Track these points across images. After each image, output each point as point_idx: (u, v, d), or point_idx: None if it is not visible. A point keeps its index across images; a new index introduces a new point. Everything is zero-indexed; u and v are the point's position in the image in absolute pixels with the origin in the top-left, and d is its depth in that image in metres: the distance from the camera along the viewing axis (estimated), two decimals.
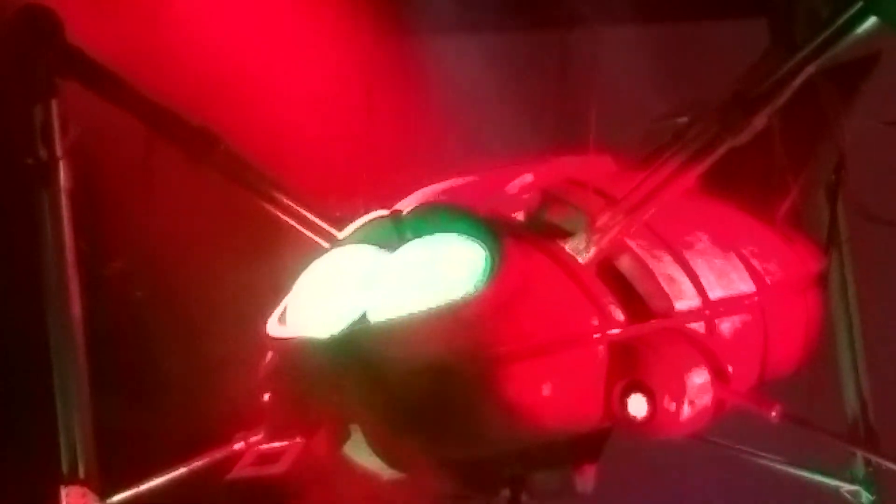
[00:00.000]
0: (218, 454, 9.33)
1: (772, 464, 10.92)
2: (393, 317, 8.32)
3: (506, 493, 9.12)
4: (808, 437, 9.82)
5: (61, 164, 9.78)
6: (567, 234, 8.83)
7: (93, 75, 9.69)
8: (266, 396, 8.79)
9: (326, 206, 9.66)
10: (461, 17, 11.77)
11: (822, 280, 10.37)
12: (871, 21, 8.43)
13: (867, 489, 10.89)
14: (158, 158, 9.55)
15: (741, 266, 9.62)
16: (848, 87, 10.20)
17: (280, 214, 9.65)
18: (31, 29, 9.70)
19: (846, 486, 10.91)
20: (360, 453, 8.57)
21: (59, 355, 9.97)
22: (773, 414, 8.93)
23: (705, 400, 8.75)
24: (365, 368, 8.32)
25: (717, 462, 11.20)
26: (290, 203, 9.66)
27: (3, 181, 10.23)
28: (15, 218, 10.38)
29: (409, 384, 8.29)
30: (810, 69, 8.69)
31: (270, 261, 9.93)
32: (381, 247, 8.90)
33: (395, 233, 8.93)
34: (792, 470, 10.99)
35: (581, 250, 8.75)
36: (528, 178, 9.37)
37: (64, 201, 9.81)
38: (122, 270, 10.35)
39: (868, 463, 10.79)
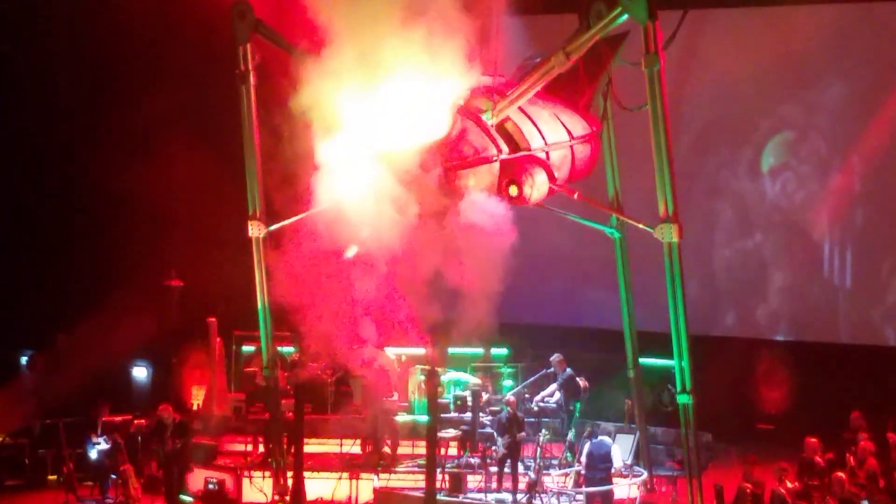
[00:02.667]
0: None
1: (577, 218, 19.55)
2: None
3: None
4: (592, 207, 18.90)
5: (251, 73, 18.98)
6: (484, 111, 17.70)
7: (266, 32, 18.90)
8: None
9: None
10: None
11: (599, 134, 19.26)
12: (625, 16, 17.00)
13: (618, 232, 19.68)
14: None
15: (562, 127, 18.45)
16: (613, 44, 18.62)
17: None
18: (239, 9, 18.77)
19: (608, 229, 19.75)
20: None
21: (248, 150, 19.12)
22: (575, 196, 18.02)
23: (544, 188, 17.84)
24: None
25: (547, 216, 19.80)
26: None
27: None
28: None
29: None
30: (597, 37, 17.39)
31: None
32: None
33: None
34: (585, 221, 19.73)
35: (491, 118, 17.69)
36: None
37: (252, 89, 19.03)
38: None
39: (619, 220, 19.41)
